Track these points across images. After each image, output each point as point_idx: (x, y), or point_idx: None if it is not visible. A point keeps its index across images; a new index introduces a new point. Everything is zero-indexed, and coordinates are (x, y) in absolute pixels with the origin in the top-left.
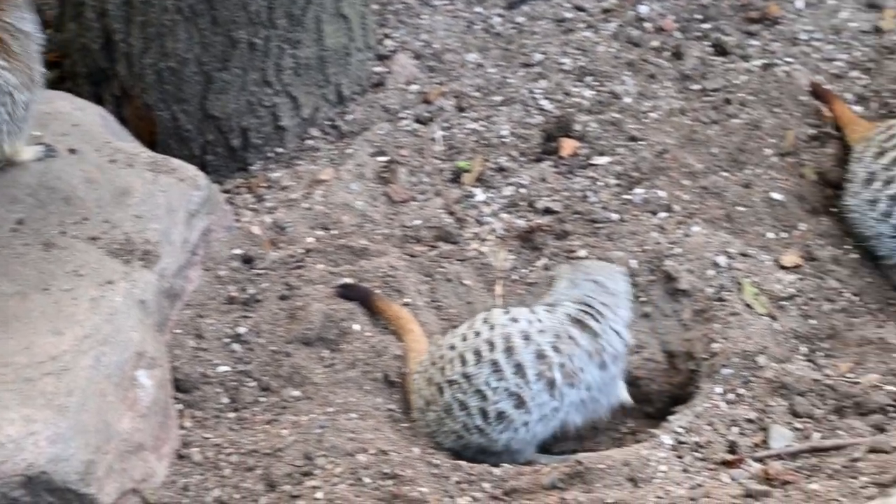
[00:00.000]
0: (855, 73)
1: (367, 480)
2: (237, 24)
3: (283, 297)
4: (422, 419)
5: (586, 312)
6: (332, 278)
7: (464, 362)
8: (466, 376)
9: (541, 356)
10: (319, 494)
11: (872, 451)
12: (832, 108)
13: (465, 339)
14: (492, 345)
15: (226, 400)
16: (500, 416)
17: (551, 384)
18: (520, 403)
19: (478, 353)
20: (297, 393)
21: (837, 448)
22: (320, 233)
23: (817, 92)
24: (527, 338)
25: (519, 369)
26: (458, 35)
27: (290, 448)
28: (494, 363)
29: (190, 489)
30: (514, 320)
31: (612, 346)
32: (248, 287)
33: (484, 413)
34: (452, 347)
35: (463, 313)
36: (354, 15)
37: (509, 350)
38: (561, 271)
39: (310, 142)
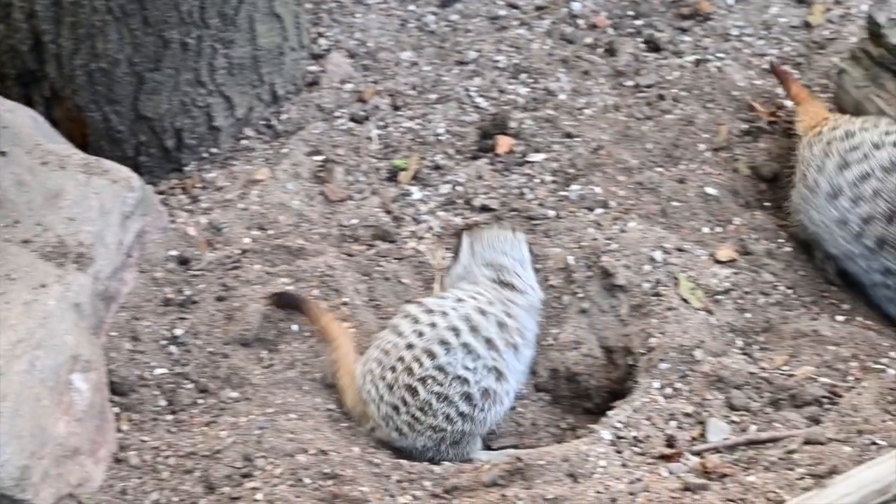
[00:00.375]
0: (785, 68)
1: (307, 481)
2: (169, 24)
3: (219, 298)
4: (383, 429)
5: (506, 274)
6: (270, 279)
7: (433, 356)
8: (440, 368)
9: (501, 325)
10: (259, 496)
11: (808, 442)
12: (788, 87)
13: (421, 334)
14: (456, 330)
15: (163, 402)
16: (486, 393)
17: (516, 348)
18: (499, 376)
19: (445, 343)
20: (235, 394)
21: (774, 440)
22: (256, 233)
23: (775, 71)
24: (483, 312)
25: (490, 343)
26: (392, 34)
27: (228, 450)
28: (466, 345)
29: (128, 493)
30: (462, 300)
31: (536, 300)
32: (184, 288)
33: (468, 396)
34: (410, 347)
35: None
36: (288, 14)
37: (474, 329)
38: (463, 241)
39: (244, 142)
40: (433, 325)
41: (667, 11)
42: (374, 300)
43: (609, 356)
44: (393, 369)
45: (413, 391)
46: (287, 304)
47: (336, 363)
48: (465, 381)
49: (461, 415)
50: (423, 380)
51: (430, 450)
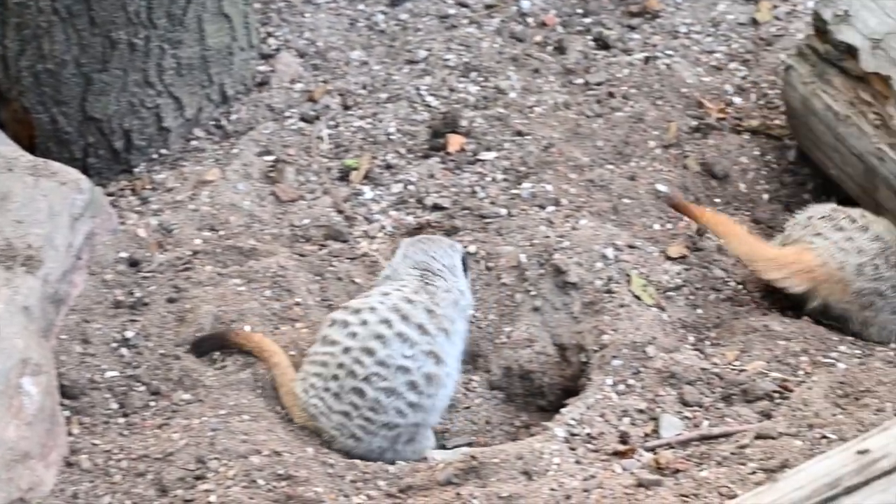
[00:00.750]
0: (734, 65)
1: (260, 482)
2: (116, 24)
3: (171, 300)
4: (338, 439)
5: (432, 273)
6: (221, 279)
7: (371, 352)
8: (382, 363)
9: (429, 311)
10: (213, 498)
11: (759, 437)
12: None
13: (354, 335)
14: (388, 322)
15: (114, 405)
16: (428, 378)
17: (447, 333)
18: (437, 360)
19: (380, 337)
20: (187, 396)
21: (726, 435)
22: (207, 234)
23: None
24: (410, 301)
25: (422, 329)
26: (341, 33)
27: (181, 452)
28: (400, 334)
29: (79, 497)
30: (387, 294)
31: (464, 301)
32: (134, 290)
33: (413, 385)
34: (347, 350)
35: None
36: (236, 14)
37: (405, 318)
38: (399, 247)
39: (194, 142)
40: (364, 322)
41: (615, 9)
42: (327, 300)
43: (562, 354)
44: (335, 377)
45: (360, 393)
46: (209, 347)
47: (275, 380)
48: (407, 369)
49: (411, 405)
50: (367, 379)
51: (387, 451)
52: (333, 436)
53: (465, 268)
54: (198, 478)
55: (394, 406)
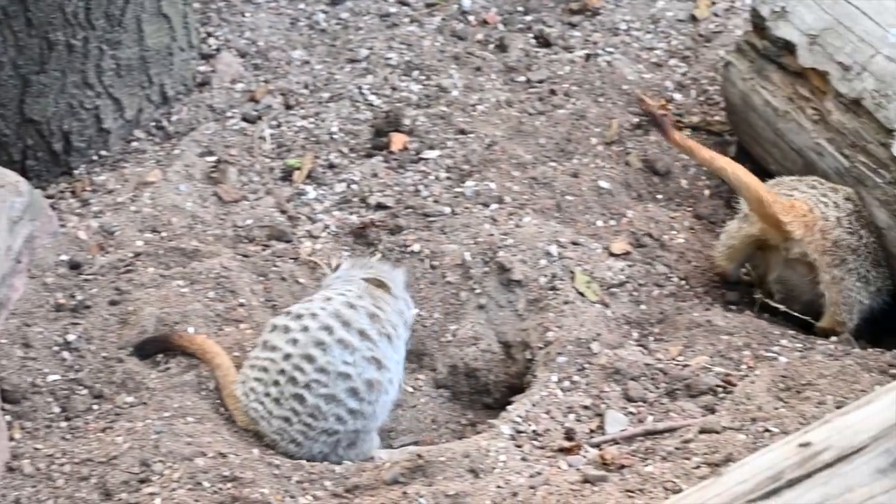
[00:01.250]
0: (674, 62)
1: (206, 484)
2: (53, 25)
3: (113, 303)
4: (279, 443)
5: (383, 282)
6: (164, 281)
7: (312, 359)
8: (322, 369)
9: (372, 316)
10: (158, 501)
11: (703, 431)
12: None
13: (295, 342)
14: (329, 328)
15: (57, 409)
16: (369, 384)
17: (389, 338)
18: (379, 365)
19: (321, 344)
20: (131, 399)
21: (670, 430)
22: (149, 235)
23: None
24: (352, 306)
25: (363, 335)
26: (282, 32)
27: (125, 455)
28: (341, 341)
29: (22, 502)
30: (329, 298)
31: (408, 314)
32: (76, 293)
33: (353, 391)
34: (288, 357)
35: None
36: (176, 14)
37: (346, 323)
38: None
39: (135, 143)
40: (305, 328)
41: (556, 7)
42: (271, 301)
43: (507, 351)
44: (276, 383)
45: (301, 399)
46: (152, 350)
47: (218, 383)
48: (348, 376)
49: (351, 412)
50: (307, 386)
51: (329, 455)
52: (275, 440)
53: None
54: (142, 481)
55: (333, 413)
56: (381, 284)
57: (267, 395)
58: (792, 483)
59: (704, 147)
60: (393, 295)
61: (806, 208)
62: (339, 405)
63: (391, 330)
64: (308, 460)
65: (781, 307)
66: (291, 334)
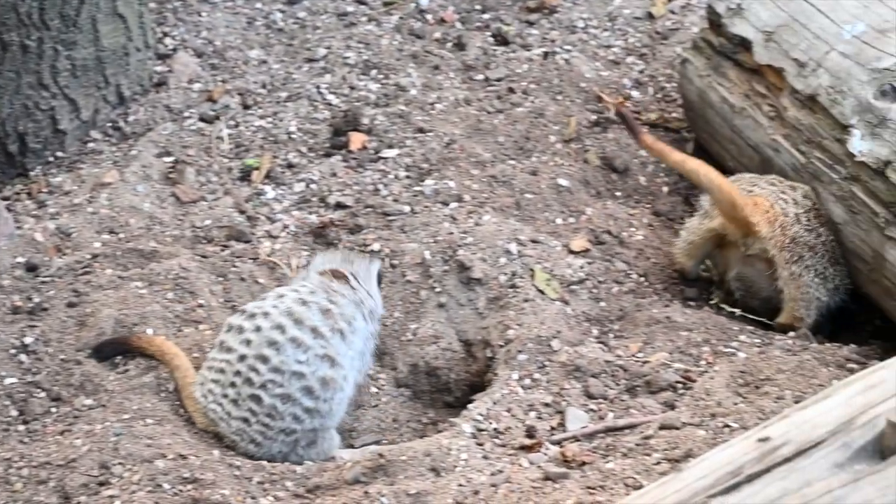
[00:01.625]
0: (631, 59)
1: (166, 486)
2: (7, 26)
3: (71, 305)
4: (239, 444)
5: (342, 273)
6: (122, 283)
7: (266, 360)
8: (276, 369)
9: (324, 311)
10: (117, 503)
11: (663, 427)
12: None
13: (249, 342)
14: (281, 327)
15: (14, 412)
16: (324, 382)
17: (342, 334)
18: (332, 363)
19: (274, 344)
20: (89, 401)
21: (631, 427)
22: (107, 237)
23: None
24: (304, 303)
25: (315, 332)
26: (239, 32)
27: (84, 458)
28: (294, 339)
29: None
30: (282, 295)
31: (370, 303)
32: (33, 296)
33: (308, 390)
34: (243, 358)
35: None
36: (131, 14)
37: (298, 321)
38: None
39: (91, 144)
40: (258, 328)
41: (513, 5)
42: (231, 301)
43: (468, 349)
44: (233, 385)
45: (257, 400)
46: (110, 352)
47: (177, 384)
48: (302, 374)
49: (307, 411)
50: (263, 386)
51: (289, 454)
52: (234, 440)
53: (379, 281)
54: (101, 484)
55: (290, 412)
56: (339, 276)
57: (225, 396)
58: (751, 478)
59: (676, 150)
60: (352, 286)
61: (768, 204)
62: (295, 404)
63: (344, 325)
64: (269, 460)
65: (737, 311)
66: (245, 335)
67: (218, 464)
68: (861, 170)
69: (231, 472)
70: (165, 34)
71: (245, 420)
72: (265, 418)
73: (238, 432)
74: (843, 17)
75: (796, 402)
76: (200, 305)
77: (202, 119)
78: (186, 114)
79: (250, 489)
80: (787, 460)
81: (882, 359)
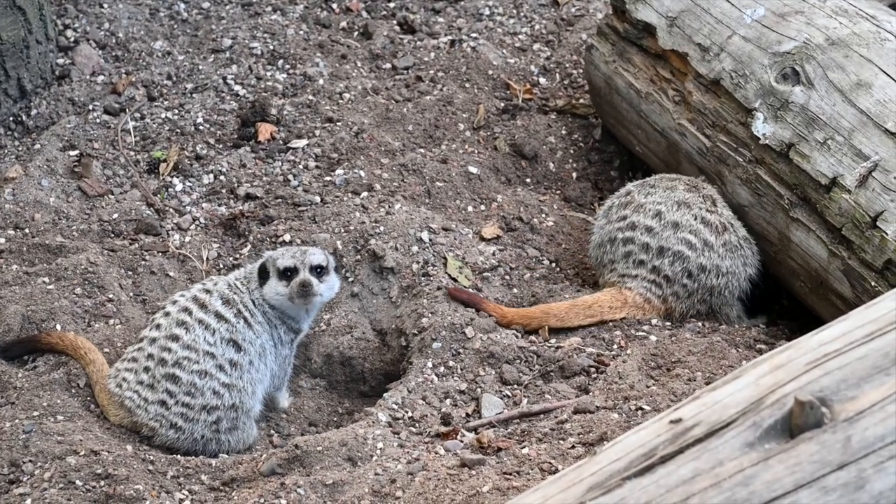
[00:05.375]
0: (537, 46)
1: (78, 483)
2: None
3: None
4: (159, 432)
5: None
6: (29, 279)
7: (177, 338)
8: (188, 346)
9: (226, 301)
10: (28, 502)
11: (578, 412)
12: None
13: (159, 326)
14: (188, 310)
15: None
16: (233, 363)
17: (248, 322)
18: (237, 347)
19: (183, 324)
20: None
21: (545, 412)
22: (12, 233)
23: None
24: (208, 292)
25: (219, 317)
26: (142, 23)
27: None
28: (201, 321)
29: None
30: (191, 286)
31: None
32: None
33: (221, 368)
34: (153, 341)
35: None
36: (31, 6)
37: (203, 306)
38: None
39: None
40: (167, 313)
41: None
42: (141, 295)
43: (382, 338)
44: (147, 369)
45: (174, 379)
46: (19, 352)
47: (90, 379)
48: (213, 355)
49: (225, 385)
50: (178, 363)
51: (210, 442)
52: (154, 428)
53: (337, 269)
54: (12, 482)
55: (210, 387)
56: (262, 269)
57: (140, 382)
58: (665, 459)
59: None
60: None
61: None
62: (213, 378)
63: (246, 313)
64: (190, 449)
65: None
66: (155, 321)
67: (132, 459)
68: (765, 153)
69: (145, 466)
70: (66, 26)
71: (163, 403)
72: (185, 396)
73: (157, 418)
74: (743, 2)
75: (707, 384)
76: (110, 300)
77: (107, 112)
78: (91, 107)
79: (165, 484)
80: (699, 441)
81: (790, 339)
